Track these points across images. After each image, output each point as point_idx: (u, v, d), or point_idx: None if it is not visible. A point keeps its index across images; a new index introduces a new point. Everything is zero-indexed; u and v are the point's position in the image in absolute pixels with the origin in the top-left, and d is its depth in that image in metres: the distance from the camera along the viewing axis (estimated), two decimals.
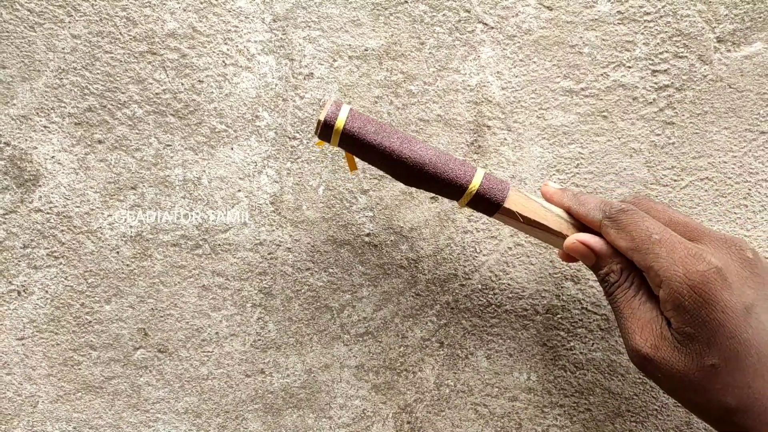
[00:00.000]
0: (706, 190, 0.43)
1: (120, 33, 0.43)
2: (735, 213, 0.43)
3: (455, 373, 0.44)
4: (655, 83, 0.42)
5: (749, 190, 0.43)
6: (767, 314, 0.30)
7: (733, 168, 0.42)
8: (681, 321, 0.30)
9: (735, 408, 0.30)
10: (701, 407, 0.31)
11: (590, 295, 0.44)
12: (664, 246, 0.31)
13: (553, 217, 0.36)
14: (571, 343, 0.44)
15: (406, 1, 0.42)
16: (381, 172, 0.44)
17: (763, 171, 0.42)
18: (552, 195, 0.37)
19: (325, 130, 0.35)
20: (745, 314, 0.30)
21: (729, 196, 0.43)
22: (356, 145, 0.35)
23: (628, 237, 0.33)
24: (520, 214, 0.36)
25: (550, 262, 0.43)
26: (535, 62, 0.42)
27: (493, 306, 0.44)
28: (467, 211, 0.43)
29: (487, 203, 0.36)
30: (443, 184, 0.35)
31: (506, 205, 0.35)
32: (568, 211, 0.36)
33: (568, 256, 0.37)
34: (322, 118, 0.35)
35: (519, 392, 0.44)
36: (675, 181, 0.43)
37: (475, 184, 0.35)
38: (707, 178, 0.43)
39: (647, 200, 0.35)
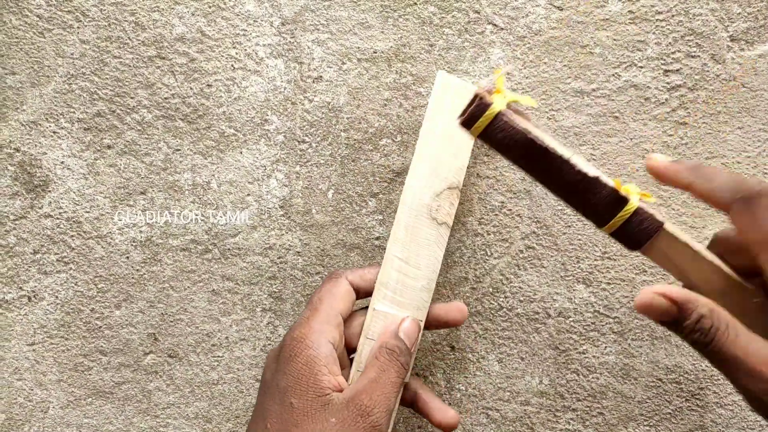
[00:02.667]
0: None
1: (129, 38, 0.43)
2: None
3: (466, 377, 0.44)
4: (668, 83, 0.42)
5: None
6: None
7: (747, 169, 0.42)
8: None
9: None
10: None
11: (603, 297, 0.43)
12: None
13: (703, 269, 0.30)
14: (584, 347, 0.43)
15: (415, 3, 0.42)
16: (391, 176, 0.43)
17: None
18: (664, 171, 0.30)
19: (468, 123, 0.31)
20: None
21: None
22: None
23: (763, 228, 0.27)
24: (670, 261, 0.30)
25: (562, 264, 0.43)
26: (545, 63, 0.42)
27: (505, 309, 0.44)
28: (477, 213, 0.43)
29: (628, 242, 0.31)
30: (580, 209, 0.31)
31: (647, 252, 0.30)
32: (689, 189, 0.30)
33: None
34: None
35: (531, 396, 0.44)
36: None
37: (615, 222, 0.30)
38: None
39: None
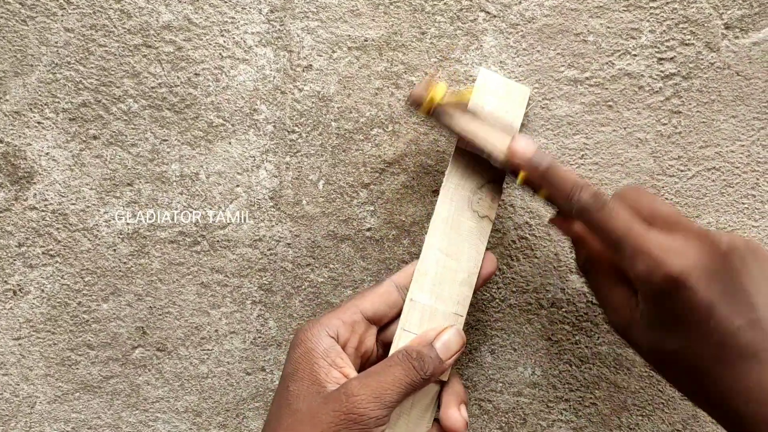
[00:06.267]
0: (713, 180, 0.42)
1: (114, 26, 0.42)
2: (743, 203, 0.42)
3: (458, 368, 0.44)
4: (662, 71, 0.41)
5: (757, 179, 0.42)
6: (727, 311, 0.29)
7: (740, 157, 0.42)
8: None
9: None
10: None
11: None
12: None
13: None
14: (576, 337, 0.43)
15: None
16: (382, 166, 0.43)
17: None
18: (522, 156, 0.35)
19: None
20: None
21: (737, 186, 0.42)
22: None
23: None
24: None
25: (555, 255, 0.43)
26: (538, 51, 0.41)
27: (497, 300, 0.43)
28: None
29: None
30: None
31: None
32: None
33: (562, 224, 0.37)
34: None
35: (523, 387, 0.44)
36: (681, 171, 0.42)
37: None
38: (714, 167, 0.42)
39: (633, 190, 0.34)
